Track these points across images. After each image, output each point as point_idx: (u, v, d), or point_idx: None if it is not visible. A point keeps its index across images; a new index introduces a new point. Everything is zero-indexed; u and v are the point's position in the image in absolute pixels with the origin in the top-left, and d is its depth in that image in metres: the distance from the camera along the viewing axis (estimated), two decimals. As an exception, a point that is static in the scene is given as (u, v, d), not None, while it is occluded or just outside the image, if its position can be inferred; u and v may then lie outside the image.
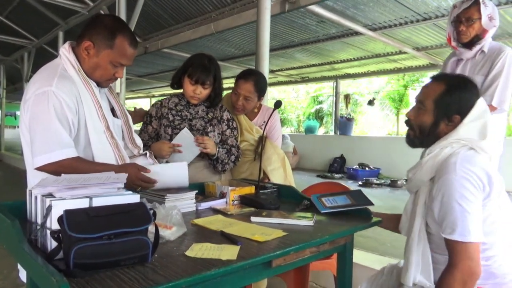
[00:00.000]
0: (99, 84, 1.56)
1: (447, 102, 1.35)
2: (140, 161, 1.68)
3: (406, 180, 6.95)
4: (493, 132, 1.33)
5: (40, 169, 1.35)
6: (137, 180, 1.45)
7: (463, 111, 1.33)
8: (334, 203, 1.57)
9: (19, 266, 1.45)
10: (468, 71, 2.34)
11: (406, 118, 1.47)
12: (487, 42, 2.32)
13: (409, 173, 1.44)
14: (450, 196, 1.22)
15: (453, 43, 2.43)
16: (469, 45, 2.33)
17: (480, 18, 2.25)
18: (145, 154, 1.73)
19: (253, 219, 1.42)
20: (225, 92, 2.21)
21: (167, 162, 2.02)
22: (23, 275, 1.43)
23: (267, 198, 1.71)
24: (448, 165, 1.26)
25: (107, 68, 1.49)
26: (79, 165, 1.37)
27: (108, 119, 1.54)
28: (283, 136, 9.94)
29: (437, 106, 1.36)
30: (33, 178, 1.45)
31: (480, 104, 1.34)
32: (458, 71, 2.38)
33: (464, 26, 2.29)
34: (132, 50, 1.52)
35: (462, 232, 1.18)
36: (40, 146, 1.34)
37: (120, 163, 1.54)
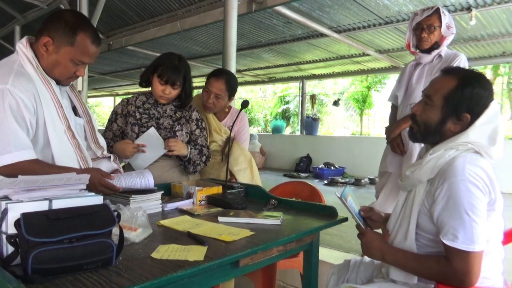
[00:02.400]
0: (59, 82, 1.50)
1: (458, 99, 1.24)
2: (104, 164, 1.64)
3: (369, 179, 7.05)
4: (502, 138, 1.26)
5: None
6: (99, 186, 1.40)
7: (474, 110, 1.24)
8: (351, 209, 1.47)
9: None
10: (426, 73, 2.47)
11: (412, 113, 1.39)
12: (444, 48, 2.47)
13: (406, 170, 1.36)
14: (458, 203, 1.15)
15: (412, 49, 2.56)
16: (428, 50, 2.45)
17: (440, 26, 2.39)
18: (109, 158, 1.68)
19: (220, 219, 1.41)
20: (194, 92, 2.19)
21: (129, 163, 1.98)
22: None
23: (234, 198, 1.71)
24: (455, 168, 1.18)
25: (67, 66, 1.43)
26: (38, 168, 1.31)
27: (69, 118, 1.49)
28: (252, 135, 10.01)
29: (446, 102, 1.26)
30: None
31: (494, 105, 1.25)
32: (416, 74, 2.50)
33: (425, 33, 2.41)
34: (94, 48, 1.46)
35: (465, 240, 1.13)
36: None
37: (82, 165, 1.50)
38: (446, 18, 2.40)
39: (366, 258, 1.58)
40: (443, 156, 1.24)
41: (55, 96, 1.44)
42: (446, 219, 1.17)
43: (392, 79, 12.01)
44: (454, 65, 2.35)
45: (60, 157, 1.43)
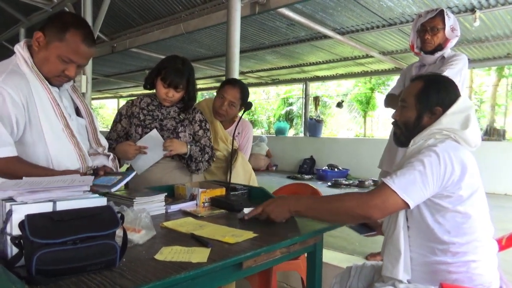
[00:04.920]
0: (50, 82, 1.48)
1: (427, 95, 1.39)
2: (100, 160, 1.64)
3: (373, 181, 7.07)
4: (477, 127, 1.35)
5: None
6: None
7: (444, 104, 1.37)
8: None
9: None
10: None
11: (392, 120, 1.51)
12: (448, 50, 2.46)
13: (394, 167, 1.47)
14: (413, 157, 1.28)
15: (416, 50, 2.55)
16: (432, 52, 2.45)
17: (444, 28, 2.38)
18: (108, 156, 1.68)
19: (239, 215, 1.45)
20: (199, 95, 2.21)
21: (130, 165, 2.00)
22: None
23: (237, 200, 1.71)
24: (428, 146, 1.31)
25: (55, 62, 1.41)
26: (16, 166, 1.32)
27: (67, 117, 1.50)
28: (261, 137, 10.06)
29: (418, 100, 1.41)
30: None
31: (464, 99, 1.38)
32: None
33: (429, 35, 2.41)
34: (84, 47, 1.43)
35: (399, 185, 1.22)
36: None
37: (81, 163, 1.51)
38: (450, 20, 2.40)
39: (367, 263, 1.58)
40: (423, 146, 1.34)
41: (51, 95, 1.45)
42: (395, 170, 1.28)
43: (395, 80, 11.97)
44: (451, 63, 2.35)
45: (58, 155, 1.45)
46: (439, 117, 1.36)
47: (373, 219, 1.32)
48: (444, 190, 1.25)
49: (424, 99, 1.40)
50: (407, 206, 1.23)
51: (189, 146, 1.96)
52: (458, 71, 2.32)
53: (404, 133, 1.45)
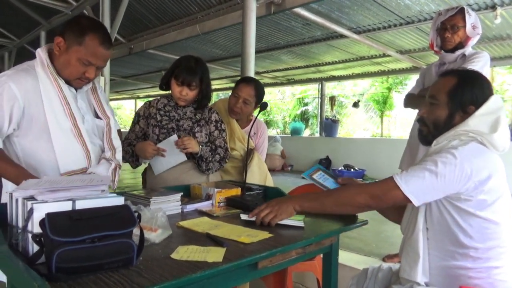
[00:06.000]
0: (70, 84, 1.54)
1: (461, 93, 1.31)
2: (100, 169, 1.63)
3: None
4: (507, 130, 1.27)
5: None
6: None
7: (478, 102, 1.29)
8: (321, 181, 1.60)
9: None
10: None
11: (418, 117, 1.43)
12: (469, 48, 2.41)
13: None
14: (428, 160, 1.24)
15: (436, 48, 2.51)
16: (452, 50, 2.40)
17: (464, 26, 2.33)
18: (111, 163, 1.67)
19: (243, 216, 1.43)
20: (214, 95, 2.23)
21: (150, 165, 2.02)
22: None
23: (253, 200, 1.71)
24: (451, 147, 1.25)
25: (75, 65, 1.47)
26: None
27: (77, 117, 1.54)
28: (275, 138, 10.06)
29: (451, 97, 1.32)
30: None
31: (495, 99, 1.30)
32: (439, 73, 2.45)
33: (449, 33, 2.36)
34: (103, 50, 1.49)
35: (405, 180, 1.21)
36: None
37: (87, 162, 1.56)
38: (471, 18, 2.34)
39: (384, 265, 1.56)
40: (446, 146, 1.28)
41: (62, 94, 1.50)
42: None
43: (413, 80, 11.78)
44: (472, 60, 2.29)
45: (63, 152, 1.49)
46: (471, 116, 1.29)
47: (373, 208, 1.32)
48: (461, 193, 1.20)
49: (457, 97, 1.31)
50: (410, 202, 1.22)
51: (200, 146, 1.98)
52: (479, 69, 2.26)
53: (433, 132, 1.37)
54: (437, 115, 1.35)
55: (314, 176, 1.61)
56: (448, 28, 2.36)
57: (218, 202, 1.69)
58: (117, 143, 1.73)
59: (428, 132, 1.39)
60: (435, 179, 1.19)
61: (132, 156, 1.98)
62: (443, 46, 2.44)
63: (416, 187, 1.20)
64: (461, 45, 2.39)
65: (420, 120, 1.42)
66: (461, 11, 2.35)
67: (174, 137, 1.95)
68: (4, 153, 1.42)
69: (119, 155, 1.71)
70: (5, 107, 1.39)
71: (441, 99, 1.34)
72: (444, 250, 1.26)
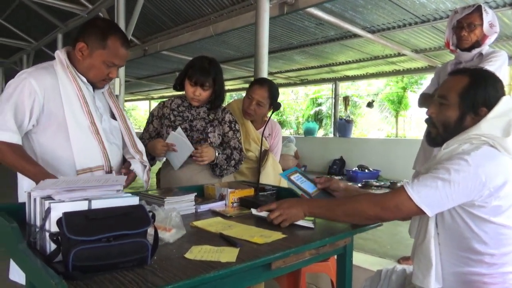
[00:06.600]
0: (94, 85, 1.60)
1: (473, 94, 1.25)
2: (137, 166, 1.71)
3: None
4: None
5: None
6: None
7: (490, 104, 1.24)
8: (298, 182, 1.60)
9: (10, 266, 1.45)
10: None
11: (427, 117, 1.37)
12: (486, 47, 2.36)
13: (422, 169, 1.35)
14: (441, 163, 1.19)
15: (452, 47, 2.46)
16: (469, 49, 2.35)
17: (481, 24, 2.28)
18: (145, 166, 1.74)
19: (253, 211, 1.44)
20: (227, 95, 2.24)
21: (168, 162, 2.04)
22: (13, 275, 1.44)
23: (266, 200, 1.71)
24: (464, 151, 1.20)
25: (100, 68, 1.54)
26: (7, 153, 1.39)
27: (95, 116, 1.57)
28: (289, 138, 10.04)
29: (462, 98, 1.26)
30: (22, 175, 1.49)
31: (507, 100, 1.25)
32: None
33: (465, 32, 2.31)
34: (124, 50, 1.56)
35: (416, 190, 1.16)
36: None
37: (104, 160, 1.58)
38: (488, 16, 2.29)
39: (398, 267, 1.54)
40: (457, 150, 1.22)
41: (81, 93, 1.54)
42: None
43: (429, 79, 11.61)
44: (490, 60, 2.24)
45: (80, 149, 1.52)
46: (483, 118, 1.24)
47: (385, 220, 1.28)
48: (475, 200, 1.16)
49: (470, 98, 1.25)
50: (423, 213, 1.18)
51: (217, 154, 1.97)
52: (497, 69, 2.21)
53: (442, 134, 1.31)
54: (447, 116, 1.29)
55: (292, 177, 1.61)
56: (465, 26, 2.32)
57: (232, 203, 1.69)
58: (141, 146, 1.78)
59: (437, 133, 1.34)
60: (449, 188, 1.14)
61: (146, 156, 2.00)
62: (459, 45, 2.40)
63: (429, 198, 1.16)
64: (478, 43, 2.34)
65: (428, 120, 1.37)
66: (478, 9, 2.30)
67: (178, 129, 1.95)
68: (23, 150, 1.44)
69: (145, 157, 1.76)
70: (26, 102, 1.42)
71: (452, 100, 1.28)
72: (457, 255, 1.22)
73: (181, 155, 1.97)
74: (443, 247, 1.25)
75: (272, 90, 2.30)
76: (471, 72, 1.31)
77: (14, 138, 1.40)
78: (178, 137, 1.94)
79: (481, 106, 1.25)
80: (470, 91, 1.26)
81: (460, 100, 1.27)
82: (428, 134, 1.39)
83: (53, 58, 1.57)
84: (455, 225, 1.21)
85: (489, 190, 1.15)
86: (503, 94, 1.27)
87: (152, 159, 2.01)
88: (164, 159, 2.05)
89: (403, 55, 7.26)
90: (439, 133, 1.33)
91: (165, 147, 1.92)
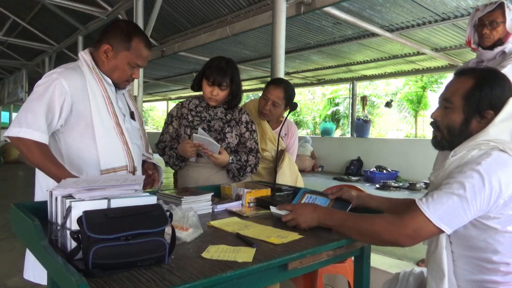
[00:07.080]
0: (117, 86, 1.64)
1: (478, 96, 1.20)
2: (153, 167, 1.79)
3: (425, 184, 6.69)
4: None
5: (8, 138, 1.42)
6: None
7: (496, 106, 1.19)
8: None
9: (25, 265, 1.49)
10: None
11: (431, 120, 1.34)
12: (509, 45, 2.29)
13: (431, 176, 1.34)
14: (452, 177, 1.15)
15: (473, 45, 2.40)
16: (491, 47, 2.29)
17: (504, 22, 2.22)
18: (160, 168, 1.84)
19: (272, 208, 1.45)
20: (244, 95, 2.24)
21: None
22: (28, 274, 1.48)
23: (282, 200, 1.70)
24: (474, 160, 1.15)
25: (124, 69, 1.58)
26: (35, 152, 1.40)
27: (119, 116, 1.60)
28: (305, 138, 10.00)
29: (467, 102, 1.22)
30: (40, 174, 1.53)
31: None
32: None
33: (487, 29, 2.25)
34: (147, 51, 1.60)
35: (433, 208, 1.11)
36: (16, 119, 1.42)
37: (128, 160, 1.61)
38: (511, 13, 2.23)
39: (416, 269, 1.51)
40: (466, 157, 1.19)
41: (106, 93, 1.57)
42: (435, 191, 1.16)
43: (449, 78, 11.35)
44: None
45: (105, 149, 1.55)
46: (490, 121, 1.19)
47: (402, 246, 1.20)
48: (490, 212, 1.13)
49: (474, 101, 1.21)
50: (442, 232, 1.13)
51: (230, 160, 1.97)
52: None
53: (447, 138, 1.28)
54: (452, 120, 1.25)
55: (303, 202, 1.62)
56: (487, 24, 2.26)
57: (248, 203, 1.70)
58: (150, 150, 1.83)
59: (442, 137, 1.30)
60: (467, 204, 1.10)
61: (177, 159, 2.02)
62: (481, 43, 2.33)
63: (447, 216, 1.11)
64: (501, 41, 2.27)
65: (433, 124, 1.34)
66: (500, 6, 2.24)
67: (199, 131, 1.94)
68: (49, 151, 1.46)
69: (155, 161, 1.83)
70: (57, 102, 1.45)
71: (456, 103, 1.24)
72: (471, 263, 1.19)
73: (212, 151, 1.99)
74: (456, 256, 1.22)
75: (288, 91, 2.29)
76: (477, 73, 1.26)
77: (43, 138, 1.43)
78: (201, 138, 1.95)
79: (487, 109, 1.20)
80: (474, 93, 1.21)
81: (464, 103, 1.23)
82: (434, 138, 1.36)
83: (74, 59, 1.61)
84: (467, 235, 1.18)
85: (504, 200, 1.12)
86: (510, 95, 1.21)
87: (182, 161, 2.03)
88: (194, 159, 2.05)
89: (423, 53, 7.13)
90: (444, 136, 1.30)
91: (193, 148, 1.93)
